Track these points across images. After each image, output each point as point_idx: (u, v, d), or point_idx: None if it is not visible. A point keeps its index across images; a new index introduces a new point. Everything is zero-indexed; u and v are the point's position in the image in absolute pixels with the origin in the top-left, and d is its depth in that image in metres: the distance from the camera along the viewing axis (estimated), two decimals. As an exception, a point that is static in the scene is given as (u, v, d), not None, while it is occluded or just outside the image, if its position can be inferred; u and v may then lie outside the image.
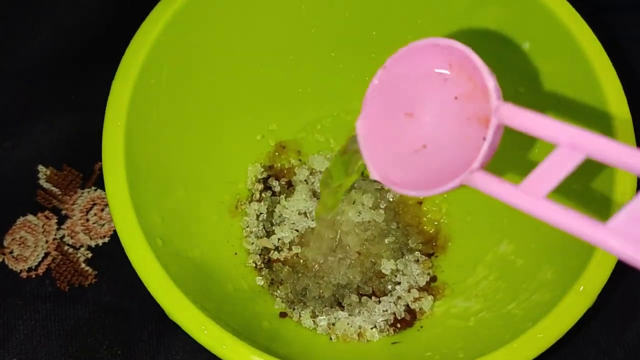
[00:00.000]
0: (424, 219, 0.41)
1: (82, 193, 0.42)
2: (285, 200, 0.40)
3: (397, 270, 0.38)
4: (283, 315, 0.37)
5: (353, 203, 0.40)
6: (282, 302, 0.37)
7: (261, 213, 0.40)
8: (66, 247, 0.40)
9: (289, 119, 0.43)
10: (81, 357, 0.37)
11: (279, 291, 0.38)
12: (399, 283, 0.38)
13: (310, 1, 0.38)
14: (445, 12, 0.37)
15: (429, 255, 0.39)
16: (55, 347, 0.38)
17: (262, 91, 0.41)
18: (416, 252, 0.39)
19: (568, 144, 0.21)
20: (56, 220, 0.41)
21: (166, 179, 0.35)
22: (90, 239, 0.41)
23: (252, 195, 0.41)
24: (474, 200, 0.40)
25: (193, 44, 0.35)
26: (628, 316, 0.39)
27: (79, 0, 0.47)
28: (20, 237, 0.41)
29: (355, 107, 0.43)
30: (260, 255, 0.39)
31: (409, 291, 0.38)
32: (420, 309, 0.37)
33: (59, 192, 0.42)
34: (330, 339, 0.36)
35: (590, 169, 0.29)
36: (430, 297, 0.37)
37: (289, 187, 0.41)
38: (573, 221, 0.20)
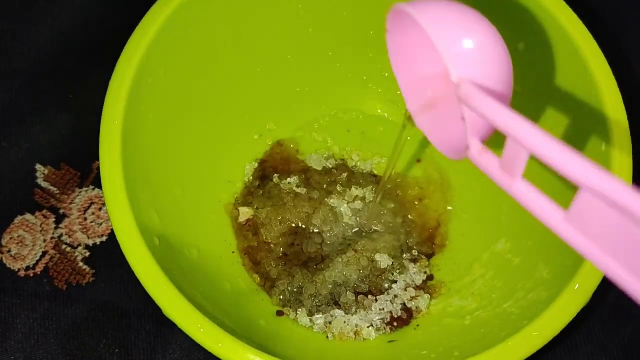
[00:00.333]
0: (423, 217, 0.41)
1: (80, 192, 0.42)
2: (279, 179, 0.41)
3: (394, 267, 0.39)
4: (280, 314, 0.37)
5: (353, 200, 0.40)
6: (279, 300, 0.37)
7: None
8: (64, 246, 0.41)
9: (287, 118, 0.43)
10: (79, 355, 0.38)
11: (275, 289, 0.38)
12: (396, 281, 0.38)
13: (307, 1, 0.38)
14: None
15: (428, 256, 0.40)
16: (53, 346, 0.38)
17: (260, 90, 0.41)
18: (414, 251, 0.39)
19: (512, 139, 0.19)
20: (54, 219, 0.41)
21: (163, 178, 0.35)
22: (88, 238, 0.41)
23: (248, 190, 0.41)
24: (471, 199, 0.40)
25: (190, 44, 0.35)
26: (624, 314, 0.39)
27: (77, 0, 0.48)
28: (18, 236, 0.41)
29: (352, 106, 0.44)
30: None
31: (405, 290, 0.38)
32: (416, 307, 0.37)
33: (57, 191, 0.42)
34: (327, 337, 0.36)
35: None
36: (426, 296, 0.37)
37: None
38: (537, 204, 0.19)
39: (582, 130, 0.33)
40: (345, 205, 0.40)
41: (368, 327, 0.36)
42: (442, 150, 0.26)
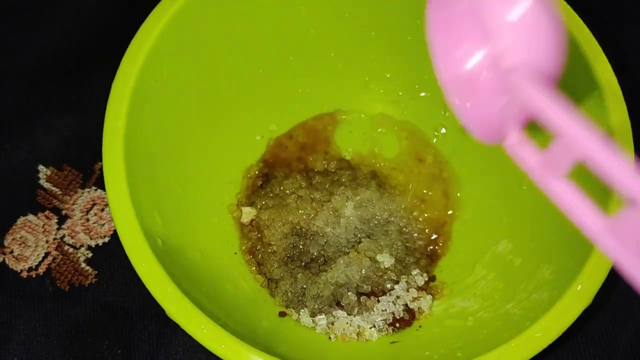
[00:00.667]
0: (426, 218, 0.41)
1: (83, 193, 0.42)
2: (282, 180, 0.41)
3: (396, 268, 0.39)
4: (282, 314, 0.37)
5: (355, 200, 0.40)
6: (281, 301, 0.37)
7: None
8: (66, 247, 0.41)
9: (289, 118, 0.43)
10: (81, 356, 0.38)
11: (277, 290, 0.38)
12: (398, 282, 0.38)
13: (309, 2, 0.38)
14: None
15: (430, 257, 0.40)
16: (55, 347, 0.38)
17: (262, 91, 0.41)
18: (416, 252, 0.39)
19: (565, 140, 0.18)
20: (56, 220, 0.41)
21: (166, 179, 0.35)
22: (91, 238, 0.41)
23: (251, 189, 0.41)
24: (473, 200, 0.40)
25: (193, 45, 0.36)
26: (626, 315, 0.39)
27: (79, 0, 0.48)
28: (20, 237, 0.41)
29: (354, 107, 0.44)
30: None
31: (407, 291, 0.38)
32: (419, 308, 0.37)
33: (60, 192, 0.42)
34: (329, 338, 0.36)
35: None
36: (429, 297, 0.37)
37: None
38: (576, 207, 0.18)
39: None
40: (348, 206, 0.40)
41: (370, 328, 0.36)
42: (473, 130, 0.22)
